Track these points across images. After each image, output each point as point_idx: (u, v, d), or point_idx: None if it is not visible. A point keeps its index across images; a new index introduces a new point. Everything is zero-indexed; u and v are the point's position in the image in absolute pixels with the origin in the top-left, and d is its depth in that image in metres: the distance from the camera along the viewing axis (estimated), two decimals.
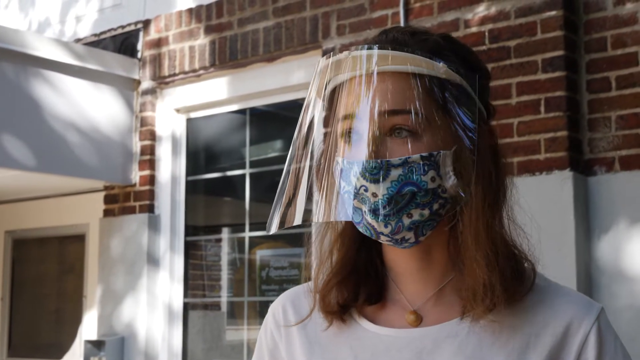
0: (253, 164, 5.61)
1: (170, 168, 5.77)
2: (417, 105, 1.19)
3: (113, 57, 5.79)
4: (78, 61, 5.52)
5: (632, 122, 3.99)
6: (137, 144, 5.82)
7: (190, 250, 5.82)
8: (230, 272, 5.83)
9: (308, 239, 1.36)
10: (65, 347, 6.61)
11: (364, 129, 1.19)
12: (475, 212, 1.20)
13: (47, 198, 6.71)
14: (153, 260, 5.66)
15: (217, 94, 5.62)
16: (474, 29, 4.36)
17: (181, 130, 5.86)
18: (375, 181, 1.18)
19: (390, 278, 1.32)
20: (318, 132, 1.27)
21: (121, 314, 5.69)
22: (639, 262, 3.87)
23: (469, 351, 1.21)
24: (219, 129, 5.95)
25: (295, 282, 5.07)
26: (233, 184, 5.80)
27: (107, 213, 5.92)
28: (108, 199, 5.93)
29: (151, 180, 5.75)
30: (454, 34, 4.38)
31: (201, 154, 5.94)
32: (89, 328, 6.30)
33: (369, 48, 1.20)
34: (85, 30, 6.32)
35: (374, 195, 1.18)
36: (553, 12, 4.12)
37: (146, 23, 5.88)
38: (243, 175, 5.64)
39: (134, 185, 5.79)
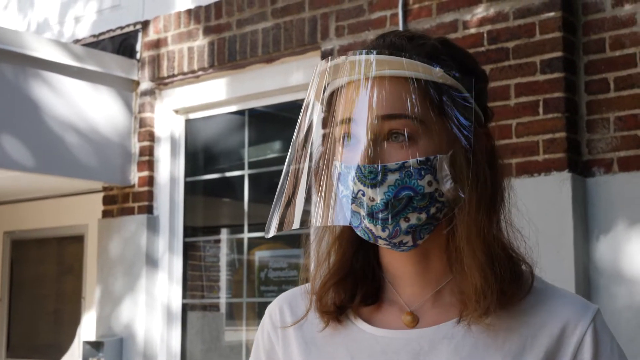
0: (252, 165, 5.61)
1: (169, 169, 5.77)
2: (414, 110, 1.20)
3: (112, 58, 5.79)
4: (77, 62, 5.52)
5: (630, 123, 3.99)
6: (135, 145, 5.82)
7: (189, 251, 5.82)
8: (229, 273, 5.83)
9: (306, 241, 1.37)
10: (64, 348, 6.61)
11: (361, 133, 1.20)
12: (470, 216, 1.21)
13: (45, 199, 6.71)
14: (152, 261, 5.66)
15: (215, 95, 5.62)
16: (472, 30, 4.37)
17: (180, 131, 5.86)
18: (372, 186, 1.19)
19: (387, 280, 1.32)
20: (316, 136, 1.28)
21: (120, 314, 5.69)
22: (637, 263, 3.87)
23: (466, 352, 1.22)
24: (218, 130, 5.95)
25: (294, 283, 5.07)
26: (232, 185, 5.80)
27: (106, 214, 5.92)
28: (107, 200, 5.93)
29: (150, 181, 5.76)
30: (453, 35, 4.39)
31: (200, 155, 5.94)
32: (87, 329, 6.30)
33: (367, 53, 1.21)
34: (84, 31, 6.32)
35: (371, 199, 1.19)
36: (552, 14, 4.13)
37: (145, 24, 5.89)
38: (242, 176, 5.64)
39: (133, 186, 5.79)
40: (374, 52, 1.21)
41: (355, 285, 1.31)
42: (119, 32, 6.03)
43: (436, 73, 1.22)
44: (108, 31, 6.11)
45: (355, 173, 1.19)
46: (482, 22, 4.34)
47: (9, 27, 6.09)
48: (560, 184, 3.97)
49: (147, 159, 5.76)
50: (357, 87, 1.21)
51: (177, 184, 5.80)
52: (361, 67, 1.21)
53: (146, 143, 5.78)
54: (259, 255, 5.64)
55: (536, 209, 3.94)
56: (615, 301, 3.89)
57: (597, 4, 4.14)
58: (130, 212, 5.78)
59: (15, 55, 5.22)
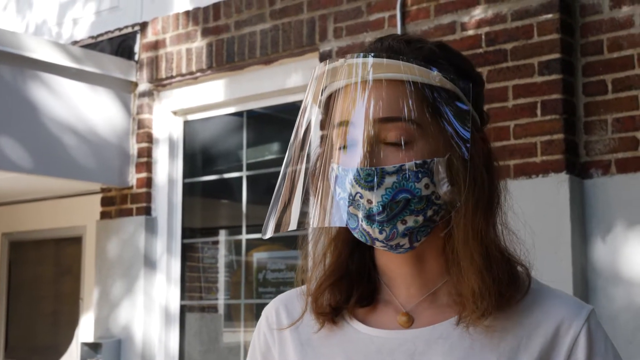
0: (250, 167, 5.61)
1: (167, 170, 5.77)
2: (411, 113, 1.21)
3: (110, 60, 5.79)
4: (75, 63, 5.52)
5: (628, 124, 3.99)
6: (134, 146, 5.82)
7: (187, 252, 5.82)
8: (227, 274, 5.83)
9: (302, 243, 1.38)
10: (61, 349, 6.61)
11: (358, 136, 1.21)
12: (467, 219, 1.22)
13: (44, 200, 6.71)
14: (150, 263, 5.66)
15: (214, 97, 5.63)
16: (470, 32, 4.37)
17: (178, 133, 5.86)
18: (370, 188, 1.19)
19: (382, 281, 1.33)
20: (314, 138, 1.28)
21: (118, 316, 5.68)
22: (635, 265, 3.88)
23: (461, 353, 1.23)
24: (216, 131, 5.95)
25: (292, 284, 5.07)
26: (230, 186, 5.80)
27: (104, 215, 5.92)
28: (105, 202, 5.93)
29: (148, 182, 5.76)
30: (451, 37, 4.40)
31: (198, 157, 5.94)
32: (85, 330, 6.30)
33: (364, 56, 1.22)
34: (82, 32, 6.33)
35: (369, 202, 1.20)
36: (549, 15, 4.13)
37: (143, 25, 5.89)
38: (240, 178, 5.64)
39: (131, 187, 5.79)
40: (371, 55, 1.22)
41: (350, 286, 1.32)
42: (117, 33, 6.03)
43: (433, 77, 1.23)
44: (106, 32, 6.11)
45: (353, 176, 1.20)
46: (480, 23, 4.34)
47: (7, 29, 6.09)
48: (558, 185, 3.98)
49: (146, 161, 5.76)
50: (355, 90, 1.22)
51: (176, 185, 5.80)
52: (359, 70, 1.22)
53: (144, 144, 5.78)
54: (257, 256, 5.64)
55: (534, 211, 3.95)
56: (613, 303, 3.89)
57: (594, 6, 4.14)
58: (128, 213, 5.78)
59: (14, 57, 5.22)
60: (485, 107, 4.11)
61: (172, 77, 5.70)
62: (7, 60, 5.19)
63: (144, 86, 5.83)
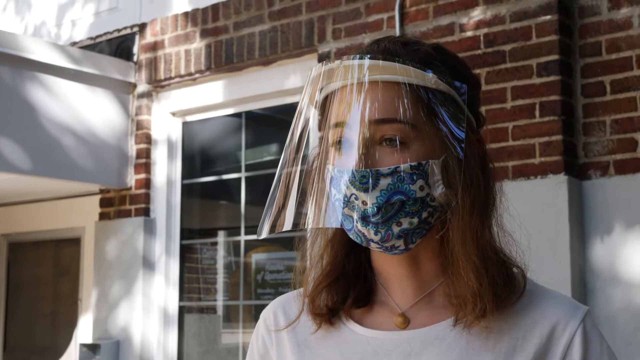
0: (249, 168, 5.61)
1: (166, 171, 5.77)
2: (407, 115, 1.21)
3: (109, 61, 5.79)
4: (74, 64, 5.52)
5: (626, 126, 3.99)
6: (132, 147, 5.83)
7: (186, 253, 5.82)
8: (226, 275, 5.83)
9: (299, 244, 1.38)
10: (60, 350, 6.61)
11: (354, 137, 1.21)
12: (463, 221, 1.22)
13: (42, 201, 6.71)
14: (148, 264, 5.66)
15: (212, 98, 5.63)
16: (469, 33, 4.37)
17: (177, 134, 5.86)
18: (365, 190, 1.20)
19: (378, 282, 1.34)
20: (310, 139, 1.29)
21: (116, 317, 5.68)
22: (633, 266, 3.88)
23: (456, 354, 1.23)
24: (215, 132, 5.96)
25: (291, 285, 5.08)
26: (229, 187, 5.80)
27: (103, 216, 5.92)
28: (104, 203, 5.93)
29: (147, 183, 5.76)
30: (449, 38, 4.40)
31: (197, 158, 5.94)
32: (84, 331, 6.30)
33: (360, 57, 1.23)
34: (81, 33, 6.33)
35: (364, 203, 1.20)
36: (548, 17, 4.13)
37: (142, 26, 5.89)
38: (239, 179, 5.64)
39: (130, 188, 5.79)
40: (367, 57, 1.22)
41: (347, 287, 1.33)
42: (116, 34, 6.03)
43: (429, 79, 1.23)
44: (105, 34, 6.11)
45: (348, 177, 1.20)
46: (479, 25, 4.34)
47: (6, 30, 6.09)
48: (556, 186, 3.98)
49: (144, 162, 5.76)
50: (351, 91, 1.23)
51: (174, 186, 5.80)
52: (355, 72, 1.22)
53: (143, 145, 5.78)
54: (256, 257, 5.64)
55: (532, 212, 3.95)
56: (612, 304, 3.89)
57: (593, 7, 4.14)
58: (127, 214, 5.78)
59: (12, 58, 5.22)
60: (484, 108, 4.12)
61: (170, 78, 5.70)
62: (6, 61, 5.19)
63: (142, 87, 5.83)
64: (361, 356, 1.28)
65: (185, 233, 5.82)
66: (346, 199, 1.21)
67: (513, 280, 1.26)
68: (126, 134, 5.83)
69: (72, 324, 6.54)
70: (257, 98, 5.46)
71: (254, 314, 5.54)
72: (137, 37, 5.89)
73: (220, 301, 5.84)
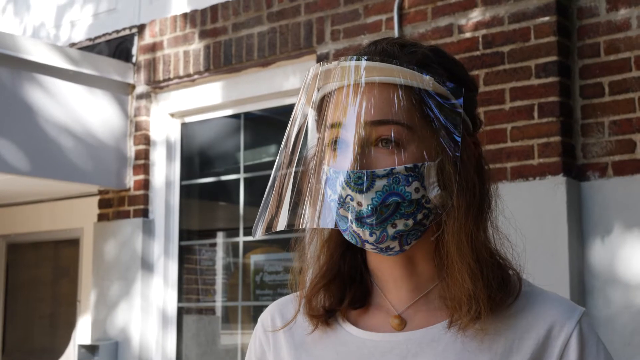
0: (247, 169, 5.61)
1: (165, 172, 5.77)
2: (403, 116, 1.22)
3: (108, 62, 5.79)
4: (73, 66, 5.52)
5: (625, 127, 4.00)
6: (131, 149, 5.83)
7: (185, 254, 5.82)
8: (225, 276, 5.83)
9: (295, 245, 1.38)
10: (59, 351, 6.61)
11: (349, 138, 1.22)
12: (459, 223, 1.22)
13: (41, 202, 6.71)
14: (147, 265, 5.66)
15: (211, 99, 5.63)
16: (467, 35, 4.37)
17: (176, 135, 5.86)
18: (360, 191, 1.20)
19: (374, 284, 1.34)
20: (306, 139, 1.29)
21: (115, 318, 5.68)
22: (632, 267, 3.88)
23: (453, 355, 1.23)
24: (214, 133, 5.96)
25: (288, 286, 5.07)
26: (227, 188, 5.80)
27: (102, 217, 5.92)
28: (102, 204, 5.93)
29: (145, 184, 5.76)
30: (448, 40, 4.40)
31: (195, 159, 5.94)
32: (83, 332, 6.30)
33: (358, 59, 1.23)
34: (80, 34, 6.33)
35: (359, 204, 1.20)
36: (546, 18, 4.14)
37: (141, 28, 5.89)
38: (237, 180, 5.64)
39: (128, 189, 5.79)
40: (364, 58, 1.23)
41: (343, 288, 1.33)
42: (115, 35, 6.03)
43: (426, 81, 1.23)
44: (104, 35, 6.11)
45: (344, 178, 1.20)
46: (478, 26, 4.35)
47: (5, 31, 6.09)
48: (555, 188, 3.98)
49: (143, 163, 5.76)
50: (347, 92, 1.23)
51: (173, 187, 5.80)
52: (351, 73, 1.22)
53: (142, 146, 5.78)
54: (255, 258, 5.64)
55: (531, 213, 3.95)
56: (611, 305, 3.89)
57: (591, 9, 4.14)
58: (125, 215, 5.78)
59: (11, 59, 5.22)
60: (482, 109, 4.11)
61: (169, 79, 5.70)
62: (5, 62, 5.19)
63: (141, 88, 5.83)
64: (357, 358, 1.28)
65: (184, 234, 5.82)
66: (341, 199, 1.21)
67: (508, 283, 1.26)
68: (125, 135, 5.83)
69: (70, 325, 6.53)
70: (255, 99, 5.46)
71: (253, 315, 5.54)
72: (136, 38, 5.89)
73: (219, 302, 5.84)
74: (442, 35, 4.45)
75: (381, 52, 1.27)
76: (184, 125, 5.88)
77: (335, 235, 1.32)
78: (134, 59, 5.88)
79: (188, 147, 5.89)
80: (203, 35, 5.53)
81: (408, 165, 1.21)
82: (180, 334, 5.74)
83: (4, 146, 5.14)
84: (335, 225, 1.24)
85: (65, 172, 5.50)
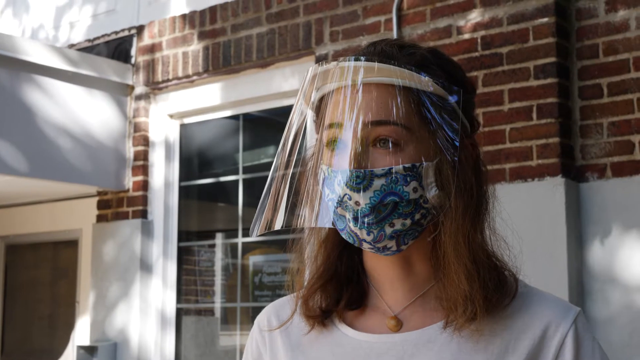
0: (246, 170, 5.61)
1: (164, 173, 5.77)
2: (401, 117, 1.22)
3: (106, 63, 5.79)
4: (71, 67, 5.52)
5: (623, 128, 4.00)
6: (130, 150, 5.83)
7: (183, 255, 5.82)
8: (223, 277, 5.83)
9: (293, 245, 1.38)
10: (57, 352, 6.60)
11: (348, 138, 1.22)
12: (456, 224, 1.23)
13: (40, 203, 6.71)
14: (146, 266, 5.66)
15: (210, 100, 5.63)
16: (466, 36, 4.38)
17: (174, 136, 5.86)
18: (358, 190, 1.20)
19: (371, 284, 1.34)
20: (304, 139, 1.29)
21: (114, 319, 5.68)
22: (630, 268, 3.88)
23: (449, 356, 1.24)
24: (213, 134, 5.96)
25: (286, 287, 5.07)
26: (226, 189, 5.80)
27: (100, 218, 5.92)
28: (101, 205, 5.93)
29: (144, 185, 5.76)
30: (447, 41, 4.40)
31: (194, 160, 5.94)
32: (81, 333, 6.29)
33: (356, 59, 1.23)
34: (78, 35, 6.33)
35: (357, 203, 1.21)
36: (545, 19, 4.14)
37: (140, 29, 5.89)
38: (236, 181, 5.64)
39: (127, 190, 5.79)
40: (363, 59, 1.23)
41: (340, 289, 1.33)
42: (113, 36, 6.03)
43: (424, 82, 1.24)
44: (103, 36, 6.11)
45: (342, 177, 1.21)
46: (476, 27, 4.35)
47: (4, 32, 6.08)
48: (553, 189, 3.98)
49: (142, 164, 5.76)
50: (346, 92, 1.23)
51: (172, 188, 5.80)
52: (350, 74, 1.23)
53: (141, 147, 5.78)
54: (253, 260, 5.64)
55: (530, 214, 3.96)
56: (609, 306, 3.89)
57: (590, 10, 4.15)
58: (124, 216, 5.78)
59: (10, 60, 5.22)
60: (481, 110, 4.10)
61: (168, 80, 5.70)
62: (4, 63, 5.19)
63: (140, 89, 5.83)
64: (353, 359, 1.28)
65: (183, 235, 5.82)
66: (340, 198, 1.21)
67: (505, 284, 1.27)
68: (124, 136, 5.83)
69: (69, 326, 6.53)
70: (254, 100, 5.47)
71: (252, 316, 5.54)
72: (134, 40, 5.89)
73: (217, 303, 5.84)
74: (440, 36, 4.46)
75: (380, 53, 1.27)
76: (182, 126, 5.88)
77: (333, 235, 1.32)
78: (132, 60, 5.88)
79: (187, 148, 5.89)
80: (202, 36, 5.53)
81: (406, 165, 1.21)
82: (179, 335, 5.74)
83: (2, 147, 5.14)
84: (333, 224, 1.24)
85: (64, 173, 5.50)
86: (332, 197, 1.23)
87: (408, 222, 1.23)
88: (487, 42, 4.31)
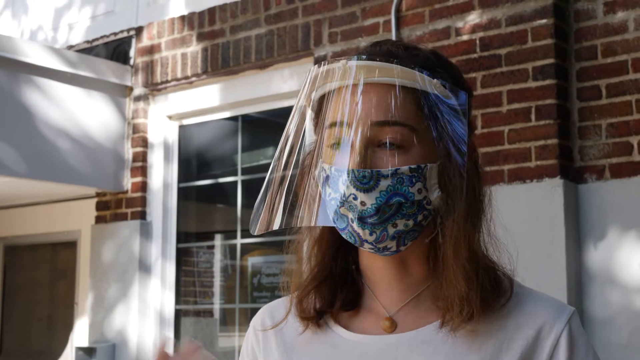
0: (245, 171, 5.61)
1: (162, 175, 5.77)
2: (407, 117, 1.22)
3: (105, 64, 5.79)
4: (70, 68, 5.52)
5: (622, 130, 4.00)
6: (129, 151, 5.82)
7: (182, 257, 5.82)
8: (222, 279, 5.83)
9: (289, 246, 1.38)
10: (56, 353, 6.60)
11: (354, 137, 1.21)
12: (457, 226, 1.23)
13: (38, 204, 6.70)
14: (145, 267, 5.65)
15: (209, 101, 5.63)
16: (465, 37, 4.38)
17: (173, 137, 5.86)
18: (365, 190, 1.20)
19: (366, 285, 1.34)
20: (304, 138, 1.29)
21: (112, 320, 5.68)
22: (629, 269, 3.88)
23: (443, 357, 1.24)
24: (211, 135, 5.96)
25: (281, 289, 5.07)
26: (225, 190, 5.80)
27: (99, 220, 5.92)
28: (100, 206, 5.93)
29: (143, 187, 5.75)
30: (445, 42, 4.41)
31: (193, 161, 5.94)
32: (80, 335, 6.29)
33: (359, 59, 1.23)
34: (77, 37, 6.33)
35: (363, 203, 1.20)
36: (544, 21, 4.14)
37: (139, 30, 5.89)
38: (235, 182, 5.64)
39: (126, 192, 5.79)
40: (364, 58, 1.23)
41: (334, 290, 1.33)
42: (112, 38, 6.03)
43: (429, 83, 1.23)
44: (102, 37, 6.11)
45: (348, 177, 1.20)
46: (475, 29, 4.35)
47: (3, 33, 6.08)
48: (552, 190, 3.98)
49: (141, 165, 5.76)
50: (353, 92, 1.23)
51: (171, 189, 5.80)
52: (354, 73, 1.22)
53: (139, 149, 5.78)
54: (252, 261, 5.64)
55: (528, 216, 3.96)
56: (608, 307, 3.89)
57: (588, 11, 4.15)
58: (123, 217, 5.77)
59: (9, 61, 5.22)
60: (480, 111, 4.12)
61: (167, 81, 5.71)
62: (2, 64, 5.19)
63: (139, 90, 5.83)
64: None
65: (182, 236, 5.82)
66: (343, 198, 1.21)
67: (500, 284, 1.27)
68: (122, 137, 5.83)
69: (68, 327, 6.53)
70: (253, 101, 5.47)
71: (250, 317, 5.53)
72: (133, 41, 5.89)
73: (216, 304, 5.84)
74: (439, 37, 4.46)
75: (385, 52, 1.27)
76: (181, 127, 5.88)
77: (327, 234, 1.32)
78: (131, 62, 5.88)
79: (186, 149, 5.89)
80: (201, 37, 5.53)
81: (412, 166, 1.21)
82: (177, 336, 5.73)
83: (1, 148, 5.14)
84: (334, 223, 1.24)
85: (63, 175, 5.50)
86: (334, 196, 1.22)
87: (411, 223, 1.23)
88: (486, 43, 4.31)
